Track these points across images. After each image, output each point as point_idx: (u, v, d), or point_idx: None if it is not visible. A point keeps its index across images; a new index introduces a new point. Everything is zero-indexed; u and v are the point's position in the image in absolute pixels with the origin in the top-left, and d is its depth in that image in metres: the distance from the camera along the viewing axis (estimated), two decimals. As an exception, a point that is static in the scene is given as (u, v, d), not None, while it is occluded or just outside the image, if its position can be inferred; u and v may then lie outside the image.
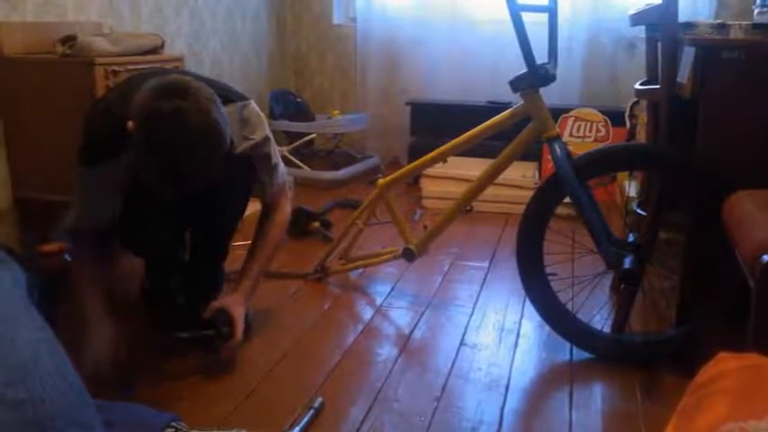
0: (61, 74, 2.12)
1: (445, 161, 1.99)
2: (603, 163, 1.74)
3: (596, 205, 1.68)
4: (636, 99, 2.68)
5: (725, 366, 0.62)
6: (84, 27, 2.37)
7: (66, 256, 2.07)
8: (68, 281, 2.04)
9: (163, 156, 1.39)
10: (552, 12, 1.78)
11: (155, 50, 2.36)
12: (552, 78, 1.73)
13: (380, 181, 2.08)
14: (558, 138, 1.70)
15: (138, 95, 1.42)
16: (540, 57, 1.70)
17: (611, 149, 1.78)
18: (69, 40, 2.12)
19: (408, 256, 2.02)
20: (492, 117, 1.84)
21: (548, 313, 1.80)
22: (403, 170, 2.05)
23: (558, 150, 1.67)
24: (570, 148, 3.12)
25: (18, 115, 2.18)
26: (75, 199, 1.65)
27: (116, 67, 2.11)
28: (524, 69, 1.70)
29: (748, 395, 0.57)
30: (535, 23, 1.75)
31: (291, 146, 3.56)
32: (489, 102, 3.40)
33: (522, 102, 1.76)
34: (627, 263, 1.68)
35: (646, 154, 1.76)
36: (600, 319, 1.93)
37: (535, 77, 1.70)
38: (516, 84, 1.73)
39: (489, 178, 1.87)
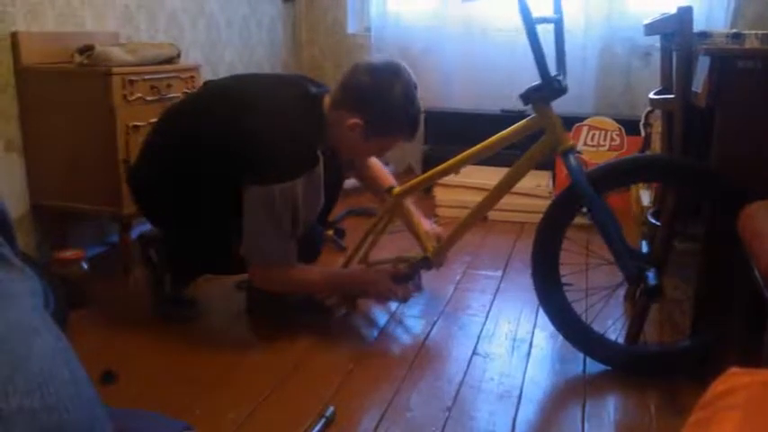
0: (79, 83, 2.15)
1: (457, 173, 1.99)
2: (620, 175, 1.73)
3: (614, 218, 1.66)
4: (651, 108, 2.67)
5: (735, 382, 0.61)
6: (101, 37, 2.40)
7: (84, 264, 2.09)
8: (85, 288, 2.07)
9: (411, 97, 1.79)
10: (558, 23, 1.78)
11: (171, 60, 2.39)
12: (564, 90, 1.72)
13: (395, 190, 2.08)
14: (572, 150, 1.68)
15: (354, 82, 1.79)
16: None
17: (627, 161, 1.76)
18: (87, 49, 2.15)
19: (426, 264, 2.01)
20: (506, 126, 1.83)
21: (562, 325, 1.78)
22: (418, 179, 2.05)
23: (573, 163, 1.66)
24: (584, 157, 3.13)
25: (36, 123, 2.21)
26: (272, 223, 1.72)
27: (133, 77, 2.14)
28: (537, 78, 1.70)
29: (759, 412, 0.56)
30: (547, 31, 1.75)
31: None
32: (503, 110, 3.40)
33: (534, 114, 1.75)
34: (650, 278, 1.64)
35: (663, 166, 1.74)
36: (615, 329, 1.92)
37: (548, 90, 1.69)
38: (528, 96, 1.72)
39: (503, 189, 1.86)
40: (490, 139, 1.84)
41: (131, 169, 2.00)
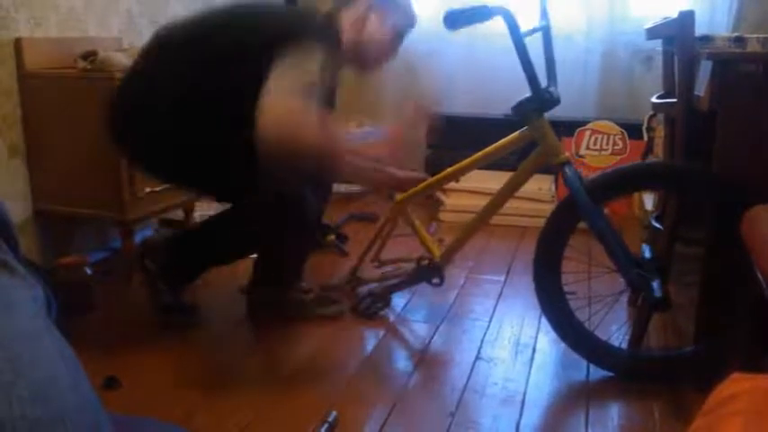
0: (82, 88, 2.15)
1: (457, 181, 2.00)
2: (619, 185, 1.71)
3: (613, 229, 1.63)
4: (653, 112, 2.67)
5: (738, 388, 0.61)
6: (104, 43, 2.41)
7: (87, 270, 2.09)
8: (88, 294, 2.07)
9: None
10: (546, 31, 1.77)
11: (173, 65, 2.39)
12: (556, 101, 1.71)
13: (399, 196, 2.08)
14: (567, 162, 1.67)
15: None
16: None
17: (625, 170, 1.73)
18: (90, 55, 2.16)
19: (434, 268, 2.02)
20: (510, 130, 1.83)
21: (566, 333, 1.77)
22: (421, 185, 2.05)
23: (570, 175, 1.64)
24: (587, 161, 3.12)
25: (39, 129, 2.22)
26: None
27: (136, 82, 2.14)
28: (544, 83, 1.69)
29: (761, 418, 0.56)
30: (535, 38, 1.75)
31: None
32: (505, 115, 3.39)
33: (526, 126, 1.75)
34: (655, 288, 1.62)
35: (661, 173, 1.73)
36: (618, 335, 1.92)
37: (539, 102, 1.68)
38: (519, 108, 1.71)
39: (504, 197, 1.86)
40: (485, 150, 1.86)
41: (121, 102, 1.86)
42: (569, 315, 1.76)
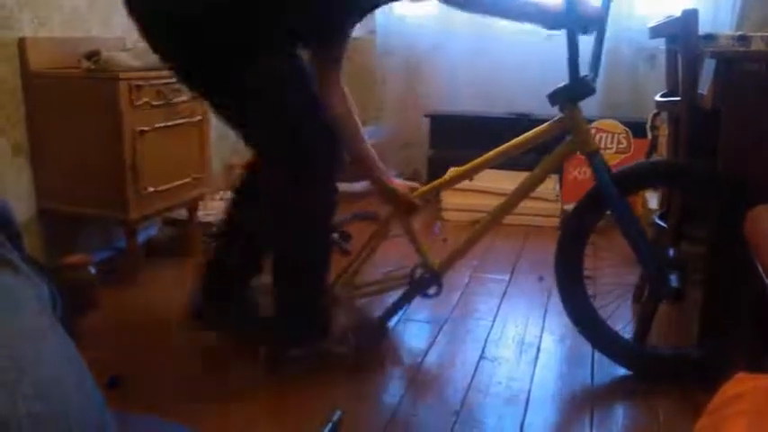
0: (86, 88, 2.16)
1: (471, 179, 1.95)
2: (644, 178, 1.72)
3: (637, 220, 1.65)
4: (657, 111, 2.66)
5: (742, 387, 0.61)
6: (108, 42, 2.41)
7: (91, 269, 2.10)
8: (92, 293, 2.08)
9: None
10: (602, 23, 1.75)
11: (177, 65, 2.39)
12: (593, 91, 1.69)
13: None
14: (598, 152, 1.66)
15: None
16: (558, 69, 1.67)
17: (650, 165, 1.73)
18: (94, 55, 2.16)
19: (432, 276, 1.90)
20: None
21: (579, 318, 1.76)
22: (429, 186, 2.02)
23: (600, 166, 1.64)
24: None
25: (43, 128, 2.22)
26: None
27: (139, 82, 2.15)
28: (545, 81, 1.68)
29: (765, 417, 0.56)
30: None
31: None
32: (508, 113, 3.39)
33: (561, 115, 1.70)
34: (673, 280, 1.63)
35: (671, 171, 1.73)
36: (624, 333, 1.91)
37: (577, 90, 1.65)
38: (556, 97, 1.68)
39: (525, 191, 1.82)
40: (513, 141, 1.77)
41: None
42: (587, 303, 1.75)
